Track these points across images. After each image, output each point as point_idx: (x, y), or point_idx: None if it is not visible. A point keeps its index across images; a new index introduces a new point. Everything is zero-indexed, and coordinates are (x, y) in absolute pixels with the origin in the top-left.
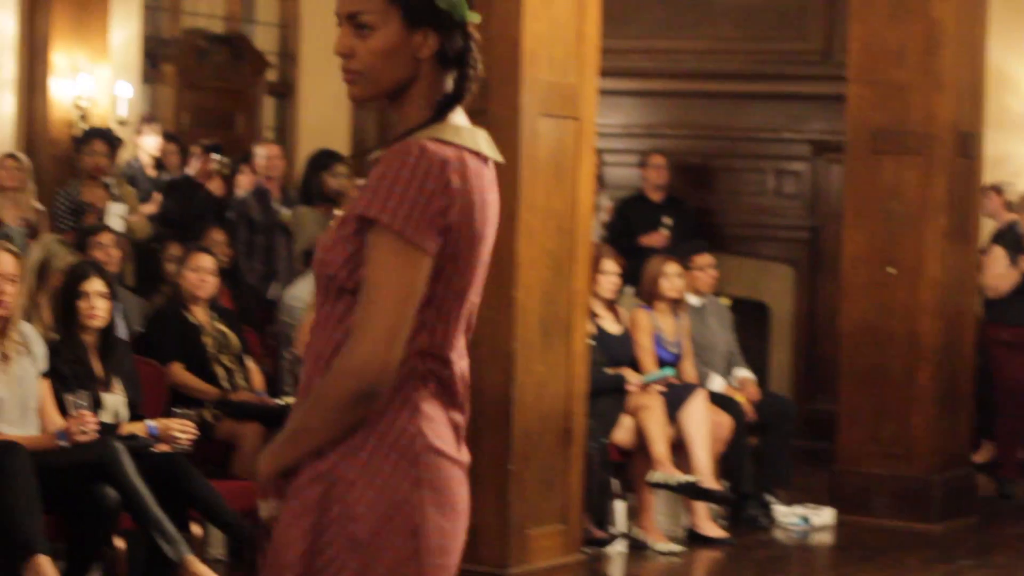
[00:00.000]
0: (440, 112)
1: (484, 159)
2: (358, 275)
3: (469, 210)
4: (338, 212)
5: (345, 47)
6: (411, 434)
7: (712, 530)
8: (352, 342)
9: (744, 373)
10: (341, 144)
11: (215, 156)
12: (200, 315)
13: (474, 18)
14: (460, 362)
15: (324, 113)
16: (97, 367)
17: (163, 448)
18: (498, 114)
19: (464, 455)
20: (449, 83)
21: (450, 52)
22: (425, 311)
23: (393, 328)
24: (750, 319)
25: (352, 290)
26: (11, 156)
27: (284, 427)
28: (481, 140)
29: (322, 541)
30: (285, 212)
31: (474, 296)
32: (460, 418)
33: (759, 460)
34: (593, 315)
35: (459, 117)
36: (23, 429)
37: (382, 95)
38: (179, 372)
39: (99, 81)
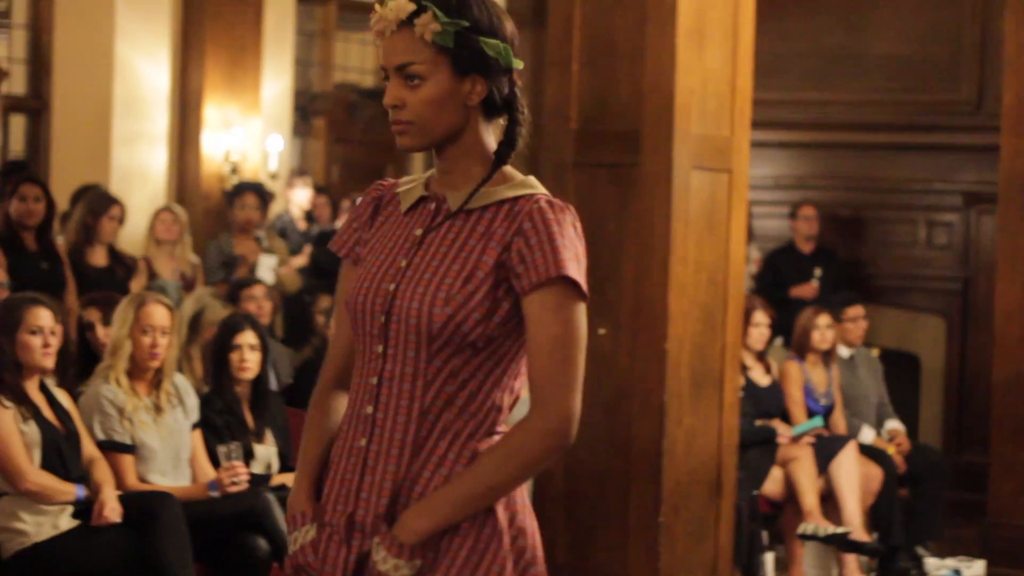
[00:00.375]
0: (502, 161)
1: None
2: (488, 330)
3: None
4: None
5: (395, 98)
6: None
7: None
8: (551, 400)
9: (894, 425)
10: None
11: None
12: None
13: (518, 64)
14: None
15: None
16: (249, 418)
17: None
18: (650, 167)
19: None
20: (495, 130)
21: (498, 98)
22: (509, 368)
23: (580, 380)
24: (900, 370)
25: (474, 345)
26: (168, 209)
27: (447, 486)
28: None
29: None
30: None
31: None
32: None
33: (909, 512)
34: (743, 367)
35: (510, 168)
36: (175, 480)
37: (433, 144)
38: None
39: (250, 135)
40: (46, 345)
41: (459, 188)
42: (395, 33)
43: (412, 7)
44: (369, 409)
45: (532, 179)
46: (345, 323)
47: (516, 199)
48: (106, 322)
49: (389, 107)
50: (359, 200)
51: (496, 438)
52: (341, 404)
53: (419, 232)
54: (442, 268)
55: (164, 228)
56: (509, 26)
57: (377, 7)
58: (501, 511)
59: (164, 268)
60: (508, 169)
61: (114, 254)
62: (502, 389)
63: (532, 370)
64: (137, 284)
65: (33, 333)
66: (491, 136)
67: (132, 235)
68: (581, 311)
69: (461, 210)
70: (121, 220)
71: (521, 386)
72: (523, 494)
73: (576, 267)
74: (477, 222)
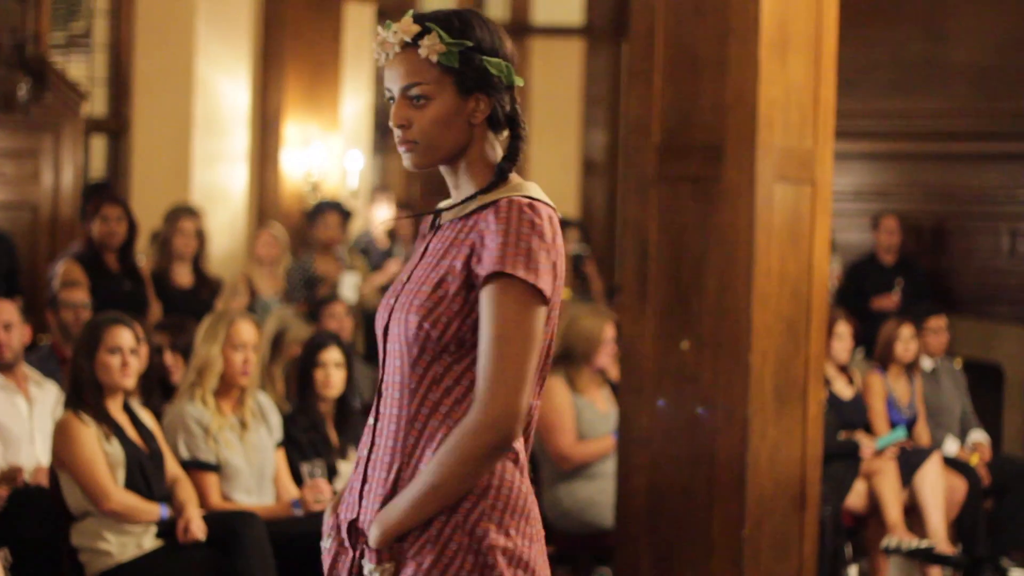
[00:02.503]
0: (503, 174)
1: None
2: (461, 333)
3: (562, 262)
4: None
5: (402, 118)
6: (525, 493)
7: None
8: (486, 395)
9: (978, 436)
10: (571, 210)
11: None
12: None
13: (519, 82)
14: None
15: (554, 178)
16: (333, 436)
17: None
18: (733, 180)
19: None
20: (499, 145)
21: (501, 115)
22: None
23: (525, 383)
24: (983, 381)
25: (449, 349)
26: (268, 229)
27: (405, 489)
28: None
29: None
30: None
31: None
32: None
33: (994, 524)
34: (826, 379)
35: (517, 177)
36: (259, 498)
37: (440, 161)
38: None
39: (330, 152)
40: (125, 365)
41: None
42: (399, 54)
43: (417, 28)
44: (371, 420)
45: (528, 184)
46: None
47: (496, 203)
48: (174, 346)
49: (396, 127)
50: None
51: None
52: None
53: (423, 248)
54: (424, 277)
55: (265, 247)
56: (509, 45)
57: (380, 29)
58: (471, 532)
59: (265, 287)
60: (515, 179)
61: (199, 274)
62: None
63: (477, 367)
64: (238, 303)
65: (112, 353)
66: (498, 150)
67: (213, 254)
68: (525, 308)
69: (453, 220)
70: (199, 236)
71: None
72: (524, 523)
73: (524, 263)
74: (461, 229)
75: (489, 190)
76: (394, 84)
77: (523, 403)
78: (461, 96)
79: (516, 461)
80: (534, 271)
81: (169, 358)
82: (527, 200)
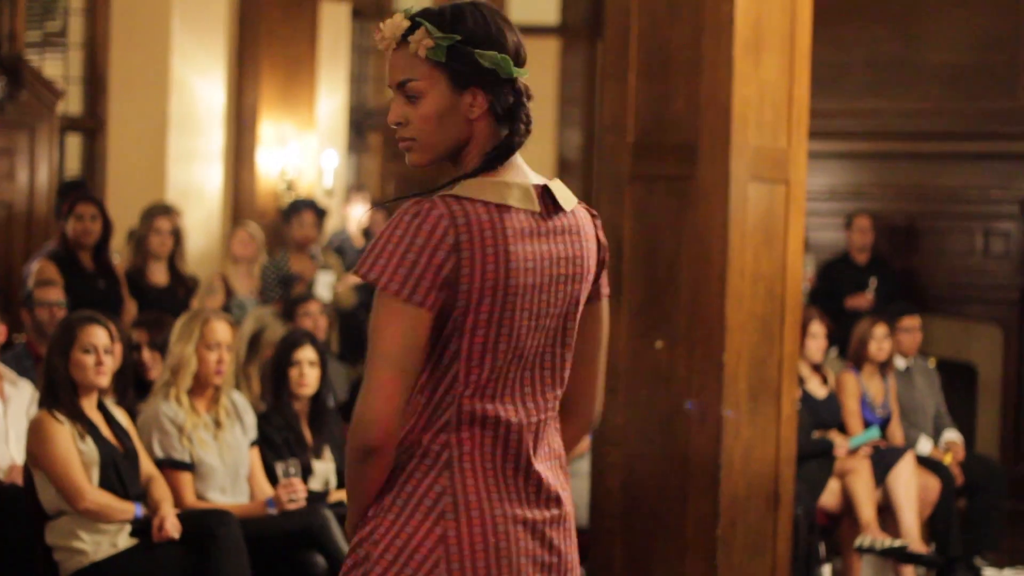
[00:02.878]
0: (486, 166)
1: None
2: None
3: (481, 263)
4: None
5: (397, 115)
6: (436, 492)
7: None
8: (357, 400)
9: (952, 435)
10: None
11: None
12: None
13: (521, 73)
14: (524, 415)
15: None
16: (307, 435)
17: None
18: (707, 179)
19: (533, 510)
20: (512, 140)
21: (500, 109)
22: (453, 365)
23: (387, 384)
24: (957, 380)
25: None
26: (244, 228)
27: None
28: (515, 193)
29: None
30: None
31: (534, 345)
32: (529, 469)
33: (967, 523)
34: (800, 378)
35: (512, 171)
36: (233, 497)
37: (440, 158)
38: None
39: (306, 151)
40: (99, 363)
41: None
42: (394, 52)
43: (407, 24)
44: None
45: (466, 182)
46: None
47: None
48: (152, 344)
49: (393, 124)
50: None
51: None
52: None
53: None
54: None
55: (241, 246)
56: (511, 36)
57: (379, 26)
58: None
59: (241, 286)
60: (501, 174)
61: (175, 273)
62: (449, 395)
63: None
64: (214, 302)
65: (87, 352)
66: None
67: (189, 253)
68: (382, 310)
69: None
70: (175, 234)
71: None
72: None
73: (373, 262)
74: None
75: (440, 188)
76: (390, 80)
77: (387, 409)
78: (455, 91)
79: (443, 463)
80: (391, 275)
81: (147, 355)
82: (437, 198)
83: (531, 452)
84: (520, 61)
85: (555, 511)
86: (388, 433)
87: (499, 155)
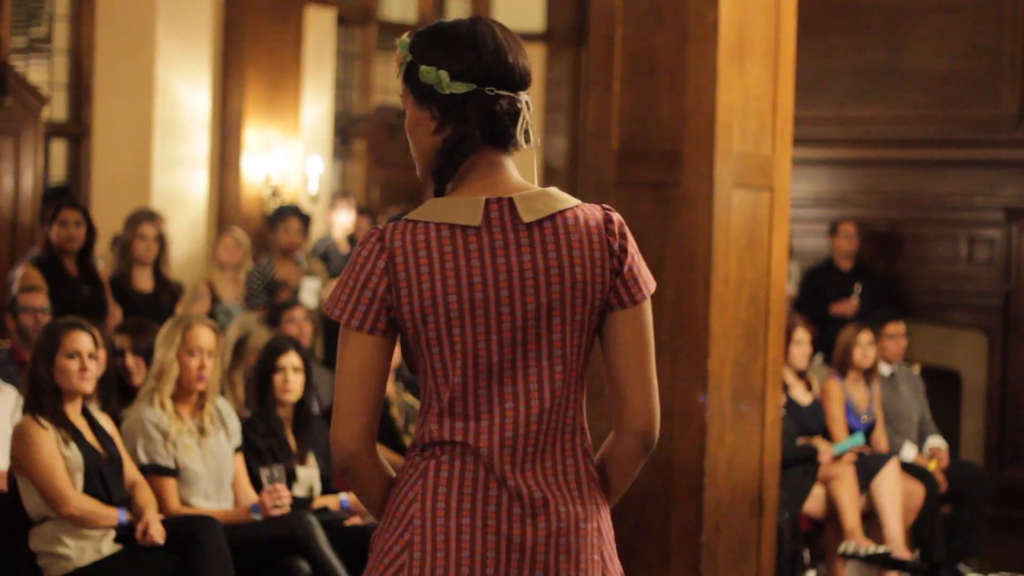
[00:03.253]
0: (437, 187)
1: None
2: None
3: (417, 283)
4: None
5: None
6: (410, 499)
7: None
8: None
9: (936, 441)
10: None
11: None
12: (387, 387)
13: (457, 88)
14: (499, 430)
15: None
16: (291, 441)
17: (356, 521)
18: (692, 186)
19: (512, 525)
20: (503, 159)
21: (446, 126)
22: (428, 381)
23: (343, 407)
24: (941, 387)
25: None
26: (230, 234)
27: None
28: (462, 211)
29: None
30: None
31: (501, 359)
32: (504, 484)
33: (951, 529)
34: (784, 385)
35: (480, 185)
36: (218, 503)
37: (430, 172)
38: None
39: (291, 158)
40: (83, 369)
41: None
42: None
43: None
44: None
45: (431, 200)
46: None
47: None
48: (136, 349)
49: None
50: None
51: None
52: None
53: None
54: None
55: (227, 252)
56: (465, 55)
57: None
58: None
59: (226, 292)
60: (442, 199)
61: (159, 279)
62: (430, 409)
63: None
64: (200, 308)
65: (71, 357)
66: (493, 164)
67: (173, 259)
68: (343, 338)
69: None
70: (160, 240)
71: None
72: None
73: (336, 296)
74: None
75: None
76: None
77: (347, 431)
78: (419, 107)
79: (417, 474)
80: (339, 304)
81: (131, 361)
82: (388, 224)
83: (509, 467)
84: (472, 75)
85: (542, 528)
86: (352, 452)
87: (440, 174)
